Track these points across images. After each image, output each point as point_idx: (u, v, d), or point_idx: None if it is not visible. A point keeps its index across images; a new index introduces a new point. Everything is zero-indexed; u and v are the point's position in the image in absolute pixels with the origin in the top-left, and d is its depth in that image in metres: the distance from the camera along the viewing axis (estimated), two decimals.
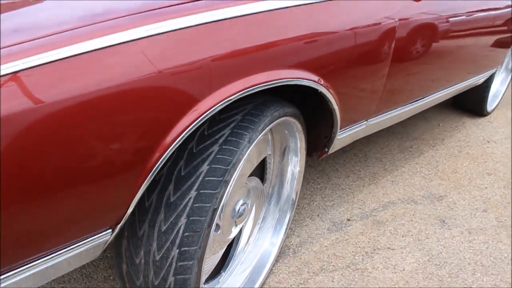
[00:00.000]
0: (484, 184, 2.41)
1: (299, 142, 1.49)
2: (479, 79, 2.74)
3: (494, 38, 2.54)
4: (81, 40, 0.78)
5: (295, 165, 1.54)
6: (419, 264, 1.78)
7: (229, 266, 1.46)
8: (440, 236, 1.96)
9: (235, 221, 1.36)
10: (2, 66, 0.69)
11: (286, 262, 1.71)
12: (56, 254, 0.88)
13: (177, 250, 1.03)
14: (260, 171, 1.49)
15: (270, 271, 1.61)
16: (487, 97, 3.18)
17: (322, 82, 1.26)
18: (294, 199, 1.59)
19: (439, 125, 3.11)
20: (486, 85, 3.04)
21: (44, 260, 0.86)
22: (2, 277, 0.80)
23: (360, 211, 2.07)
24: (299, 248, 1.80)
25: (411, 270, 1.75)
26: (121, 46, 0.82)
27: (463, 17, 2.07)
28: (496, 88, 3.46)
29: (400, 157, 2.59)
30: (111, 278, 1.58)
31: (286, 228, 1.60)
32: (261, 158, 1.41)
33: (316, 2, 1.24)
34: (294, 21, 1.17)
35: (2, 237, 0.76)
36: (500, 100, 3.47)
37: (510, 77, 3.51)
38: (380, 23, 1.49)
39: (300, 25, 1.18)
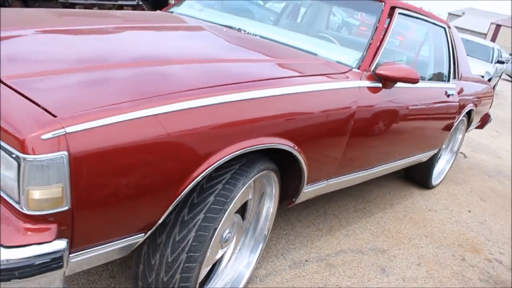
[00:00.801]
0: (421, 244, 2.90)
1: (274, 190, 1.95)
2: (424, 156, 3.31)
3: (435, 124, 3.13)
4: (125, 111, 1.22)
5: (269, 207, 2.00)
6: None
7: (211, 282, 1.87)
8: (380, 280, 2.42)
9: (222, 245, 1.79)
10: (78, 126, 1.12)
11: (253, 287, 2.12)
12: (108, 244, 1.30)
13: (186, 255, 1.46)
14: (241, 211, 1.93)
15: None
16: (432, 173, 3.75)
17: (296, 147, 1.76)
18: (266, 234, 2.04)
19: (390, 192, 3.64)
20: (431, 163, 3.61)
21: (99, 248, 1.28)
22: (71, 255, 1.21)
23: (316, 255, 2.51)
24: (265, 278, 2.22)
25: None
26: (152, 117, 1.27)
27: (410, 106, 2.64)
28: (442, 166, 4.06)
29: (354, 216, 3.08)
30: (112, 286, 1.96)
31: (259, 255, 2.03)
32: (245, 200, 1.86)
33: (294, 93, 1.76)
34: (278, 104, 1.67)
35: (76, 230, 1.19)
36: (445, 176, 4.06)
37: (453, 158, 4.13)
38: (343, 108, 2.02)
39: (283, 106, 1.68)
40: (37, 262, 1.10)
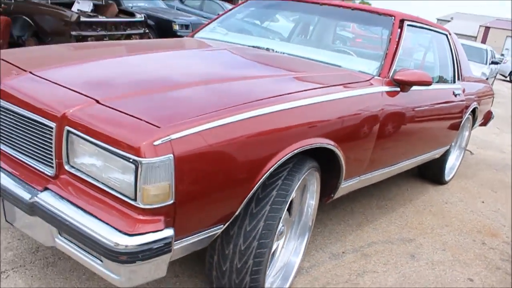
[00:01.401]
0: (442, 232, 3.15)
1: (315, 186, 2.21)
2: (437, 153, 3.57)
3: (446, 123, 3.41)
4: (211, 120, 1.49)
5: (311, 202, 2.25)
6: (396, 282, 2.46)
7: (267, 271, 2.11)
8: (411, 265, 2.66)
9: (277, 237, 2.04)
10: (179, 134, 1.39)
11: (302, 277, 2.36)
12: (198, 234, 1.55)
13: (257, 242, 1.71)
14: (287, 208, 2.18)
15: (291, 283, 2.26)
16: (445, 169, 4.01)
17: (337, 146, 2.02)
18: (311, 225, 2.28)
19: (408, 189, 3.90)
20: (443, 159, 3.88)
21: (192, 237, 1.54)
22: (175, 242, 1.46)
23: (351, 247, 2.76)
24: (310, 269, 2.46)
25: (391, 285, 2.42)
26: (232, 124, 1.54)
27: (425, 107, 2.92)
28: (453, 162, 4.32)
29: (378, 212, 3.33)
30: (178, 285, 2.19)
31: (306, 245, 2.27)
32: (291, 198, 2.11)
33: (333, 100, 2.04)
34: (322, 109, 1.95)
35: (177, 221, 1.44)
36: (456, 172, 4.32)
37: (462, 154, 4.39)
38: (371, 110, 2.29)
39: (325, 111, 1.96)
40: (155, 247, 1.36)
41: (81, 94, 1.61)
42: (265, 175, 1.65)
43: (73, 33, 6.53)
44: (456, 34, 4.36)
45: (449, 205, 3.69)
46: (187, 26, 8.83)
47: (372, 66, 2.61)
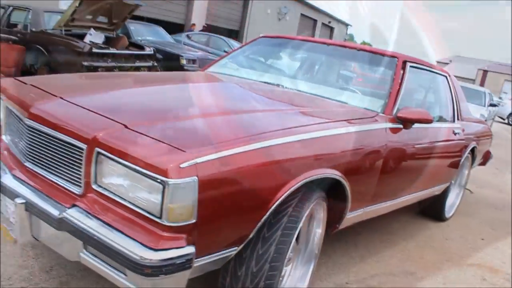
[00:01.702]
0: (443, 266, 3.22)
1: (322, 215, 2.31)
2: (437, 190, 3.68)
3: (446, 160, 3.53)
4: (231, 147, 1.62)
5: (318, 231, 2.34)
6: None
7: None
8: None
9: (285, 263, 2.12)
10: (203, 158, 1.51)
11: None
12: (214, 255, 1.64)
13: (268, 265, 1.80)
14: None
15: None
16: (445, 206, 4.10)
17: (344, 178, 2.13)
18: (317, 253, 2.37)
19: (409, 225, 3.98)
20: (443, 196, 3.98)
21: (209, 257, 1.63)
22: (196, 260, 1.56)
23: (354, 279, 2.82)
24: None
25: None
26: (250, 152, 1.67)
27: (426, 144, 3.05)
28: (453, 200, 4.42)
29: (381, 245, 3.40)
30: None
31: (312, 271, 2.35)
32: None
33: (340, 134, 2.17)
34: (331, 142, 2.07)
35: (197, 239, 1.54)
36: (456, 209, 4.41)
37: (462, 192, 4.50)
38: (375, 145, 2.41)
39: (334, 144, 2.08)
40: (177, 262, 1.45)
41: (110, 119, 1.74)
42: (277, 202, 1.76)
43: (85, 63, 6.73)
44: (455, 76, 4.53)
45: (450, 241, 3.77)
46: (194, 61, 9.08)
47: (377, 103, 2.75)
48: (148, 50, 7.94)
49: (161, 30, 10.79)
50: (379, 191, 2.62)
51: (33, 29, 7.43)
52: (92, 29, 7.49)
